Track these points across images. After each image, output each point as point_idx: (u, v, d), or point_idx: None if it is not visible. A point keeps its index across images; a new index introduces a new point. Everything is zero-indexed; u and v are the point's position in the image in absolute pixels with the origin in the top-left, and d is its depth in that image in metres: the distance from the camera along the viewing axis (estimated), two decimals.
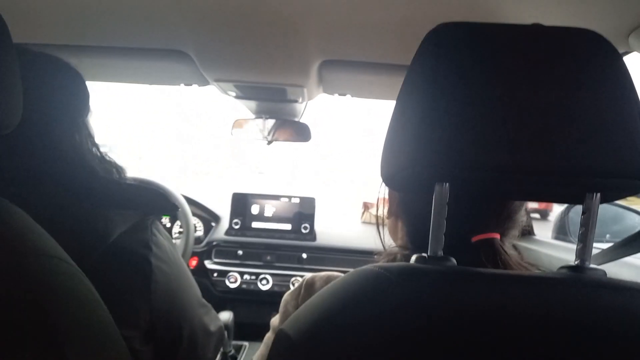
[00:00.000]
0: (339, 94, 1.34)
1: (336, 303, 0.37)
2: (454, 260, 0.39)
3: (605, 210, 1.43)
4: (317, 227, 1.84)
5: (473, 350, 0.32)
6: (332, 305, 0.37)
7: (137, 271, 0.63)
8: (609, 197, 0.43)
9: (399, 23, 0.81)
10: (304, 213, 1.83)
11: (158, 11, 0.83)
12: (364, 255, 1.74)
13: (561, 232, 1.50)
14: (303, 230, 1.81)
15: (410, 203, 0.55)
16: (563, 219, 1.51)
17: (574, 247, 1.33)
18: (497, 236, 0.51)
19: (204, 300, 0.82)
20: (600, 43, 0.39)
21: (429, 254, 0.40)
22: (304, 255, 1.76)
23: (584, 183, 0.39)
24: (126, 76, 1.31)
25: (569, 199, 0.43)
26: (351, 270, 0.41)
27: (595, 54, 0.38)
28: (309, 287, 0.63)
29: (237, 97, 1.41)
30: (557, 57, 0.38)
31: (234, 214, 1.84)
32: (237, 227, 1.82)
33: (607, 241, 1.44)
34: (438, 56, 0.38)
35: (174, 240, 1.69)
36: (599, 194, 0.41)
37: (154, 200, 0.71)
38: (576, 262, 0.42)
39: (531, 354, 0.32)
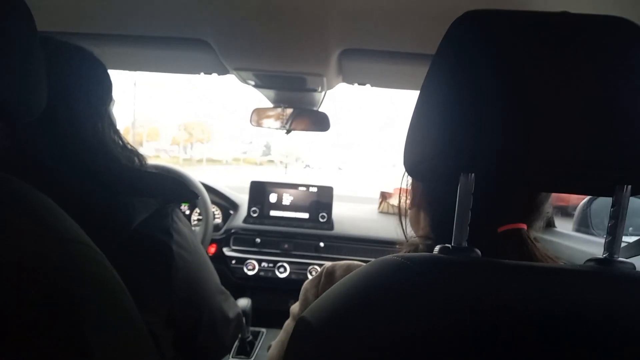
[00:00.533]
0: (359, 84, 1.33)
1: (358, 292, 0.37)
2: (478, 252, 0.39)
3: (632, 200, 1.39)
4: (335, 216, 1.85)
5: (496, 342, 0.31)
6: (354, 293, 0.37)
7: (159, 257, 0.64)
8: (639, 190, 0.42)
9: (423, 11, 0.79)
10: (321, 202, 1.83)
11: (179, 0, 0.84)
12: (381, 244, 1.74)
13: (583, 224, 1.47)
14: (320, 219, 1.81)
15: (434, 193, 0.55)
16: (585, 211, 1.48)
17: (596, 239, 1.31)
18: (524, 227, 0.50)
19: (222, 287, 0.83)
20: (632, 31, 0.37)
21: (452, 244, 0.39)
22: (322, 244, 1.77)
23: (614, 174, 0.38)
24: (147, 64, 1.33)
25: (598, 191, 0.42)
26: (369, 259, 0.41)
27: (627, 42, 0.37)
28: (329, 276, 0.64)
29: (256, 86, 1.41)
30: (588, 46, 0.36)
31: (252, 202, 1.85)
32: (255, 215, 1.83)
33: (630, 234, 1.41)
34: (464, 45, 0.38)
35: (192, 228, 1.72)
36: (629, 186, 0.39)
37: (174, 188, 0.72)
38: (605, 255, 0.41)
39: (558, 348, 0.31)
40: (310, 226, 1.81)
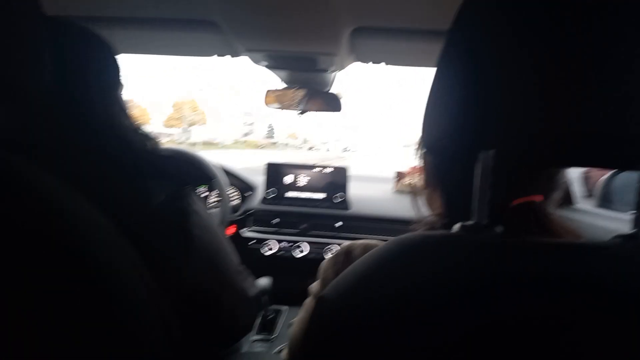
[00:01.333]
0: (373, 62, 1.31)
1: (378, 270, 0.37)
2: (499, 230, 0.38)
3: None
4: (350, 196, 1.85)
5: (521, 319, 0.31)
6: (373, 271, 0.37)
7: (176, 240, 0.64)
8: None
9: None
10: (336, 182, 1.84)
11: None
12: (397, 223, 1.74)
13: (606, 200, 1.44)
14: (336, 200, 1.82)
15: (449, 171, 0.53)
16: (607, 186, 1.44)
17: (619, 215, 1.28)
18: (540, 198, 0.49)
19: (241, 267, 0.83)
20: None
21: (472, 222, 0.38)
22: (338, 224, 1.78)
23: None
24: (158, 48, 1.33)
25: (627, 165, 0.40)
26: (387, 238, 0.41)
27: None
28: (347, 254, 0.64)
29: (269, 67, 1.40)
30: (618, 11, 0.34)
31: (268, 183, 1.87)
32: (271, 196, 1.85)
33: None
34: (481, 17, 0.36)
35: (210, 209, 1.75)
36: None
37: (190, 171, 0.72)
38: (633, 231, 0.39)
39: (583, 326, 0.31)
40: (326, 206, 1.82)
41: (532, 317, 0.31)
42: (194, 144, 48.37)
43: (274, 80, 1.59)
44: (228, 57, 1.32)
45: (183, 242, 0.65)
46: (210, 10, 0.99)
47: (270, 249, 1.77)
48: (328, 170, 1.85)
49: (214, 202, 1.89)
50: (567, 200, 1.52)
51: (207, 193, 1.91)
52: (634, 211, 0.41)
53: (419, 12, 0.90)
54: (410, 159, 0.59)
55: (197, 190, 1.86)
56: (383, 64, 1.31)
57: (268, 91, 1.67)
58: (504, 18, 0.35)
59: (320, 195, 1.84)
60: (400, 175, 2.02)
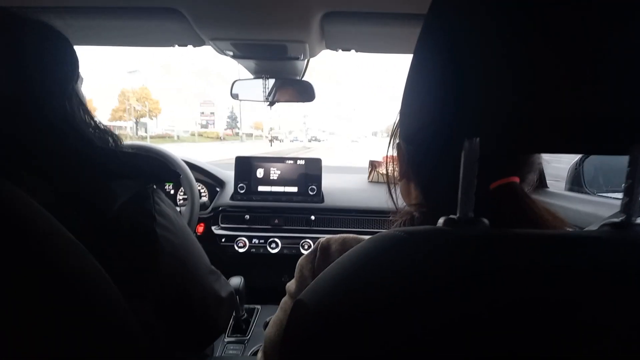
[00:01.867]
0: (343, 49, 1.27)
1: (357, 272, 0.34)
2: (486, 222, 0.36)
3: (614, 159, 1.38)
4: (325, 188, 1.82)
5: (516, 315, 0.29)
6: (353, 274, 0.34)
7: (143, 242, 0.62)
8: None
9: None
10: (310, 175, 1.80)
11: None
12: (373, 214, 1.72)
13: (575, 183, 1.47)
14: (310, 192, 1.78)
15: (427, 162, 0.52)
16: (577, 169, 1.47)
17: (590, 198, 1.31)
18: (517, 180, 0.48)
19: (213, 267, 0.81)
20: None
21: (458, 215, 0.36)
22: (312, 217, 1.74)
23: (630, 132, 0.35)
24: (115, 38, 1.25)
25: (612, 151, 0.39)
26: (362, 230, 0.38)
27: None
28: (324, 250, 0.62)
29: (235, 56, 1.34)
30: None
31: (238, 178, 1.80)
32: (242, 191, 1.79)
33: (622, 191, 1.41)
34: (459, 1, 0.34)
35: (178, 208, 1.68)
36: None
37: (154, 168, 0.69)
38: (621, 218, 0.38)
39: (577, 318, 0.30)
40: (300, 200, 1.78)
41: (531, 309, 0.30)
42: (144, 138, 44.90)
43: (239, 69, 1.52)
44: (190, 47, 1.25)
45: (150, 243, 0.62)
46: None
47: (243, 246, 1.72)
48: (301, 162, 1.80)
49: (182, 199, 1.82)
50: (540, 183, 1.54)
51: (174, 191, 1.84)
52: (615, 195, 0.40)
53: None
54: (379, 147, 0.56)
55: (164, 188, 1.80)
56: (353, 51, 1.28)
57: (235, 82, 1.61)
58: (483, 3, 0.33)
59: (294, 189, 1.79)
60: (374, 165, 2.00)
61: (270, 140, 42.99)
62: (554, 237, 0.36)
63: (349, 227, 1.72)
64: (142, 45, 1.31)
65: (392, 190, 0.60)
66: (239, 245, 1.72)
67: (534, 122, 0.34)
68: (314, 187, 1.78)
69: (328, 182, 1.86)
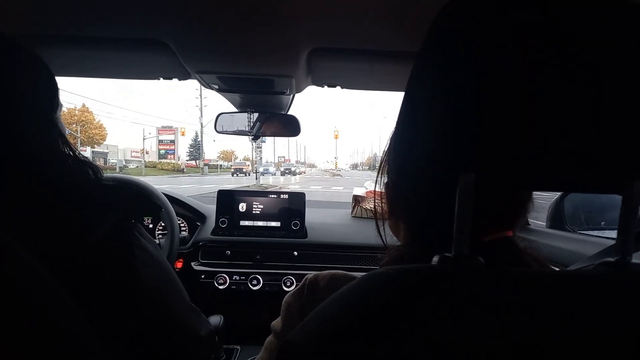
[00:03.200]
0: (328, 85, 1.28)
1: (351, 313, 0.32)
2: (481, 260, 0.35)
3: (594, 197, 1.40)
4: (308, 223, 1.79)
5: (518, 351, 0.28)
6: (346, 314, 0.32)
7: (121, 277, 0.60)
8: None
9: (400, 5, 0.75)
10: (293, 209, 1.78)
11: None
12: (357, 250, 1.70)
13: (556, 220, 1.48)
14: (293, 227, 1.75)
15: (418, 199, 0.50)
16: (558, 206, 1.49)
17: (572, 235, 1.31)
18: (510, 233, 0.47)
19: (192, 305, 0.79)
20: (635, 12, 0.34)
21: (453, 253, 0.35)
22: (295, 253, 1.71)
23: (625, 169, 0.35)
24: (97, 70, 1.23)
25: (607, 188, 0.39)
26: (346, 266, 0.37)
27: (631, 24, 0.34)
28: (312, 287, 0.60)
29: (220, 90, 1.34)
30: (592, 30, 0.33)
31: (220, 212, 1.77)
32: (224, 226, 1.75)
33: (602, 228, 1.43)
34: (454, 34, 0.34)
35: (157, 242, 1.63)
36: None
37: (135, 201, 0.68)
38: (616, 258, 0.38)
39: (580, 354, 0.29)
40: (282, 235, 1.75)
41: (536, 350, 0.29)
42: None
43: (223, 102, 1.52)
44: (175, 80, 1.25)
45: (128, 279, 0.61)
46: (158, 29, 0.92)
47: (224, 283, 1.66)
48: (284, 196, 1.79)
49: (161, 234, 1.77)
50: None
51: (153, 224, 1.79)
52: (596, 233, 0.40)
53: (380, 32, 0.88)
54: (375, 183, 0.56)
55: (143, 222, 1.75)
56: (338, 87, 1.29)
57: (219, 115, 1.61)
58: (481, 35, 0.34)
59: (276, 223, 1.77)
60: (358, 200, 1.99)
61: (233, 173, 38.62)
62: (552, 276, 0.35)
63: (333, 264, 1.69)
64: (126, 78, 1.30)
65: (381, 226, 0.58)
66: (219, 282, 1.66)
67: (529, 159, 0.34)
68: (297, 222, 1.75)
69: (311, 216, 1.84)
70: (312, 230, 1.78)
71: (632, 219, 0.37)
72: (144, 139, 42.09)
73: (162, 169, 41.62)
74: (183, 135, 48.26)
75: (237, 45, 0.97)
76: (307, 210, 1.81)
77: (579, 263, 0.50)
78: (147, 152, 52.75)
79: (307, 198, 1.81)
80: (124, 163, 45.52)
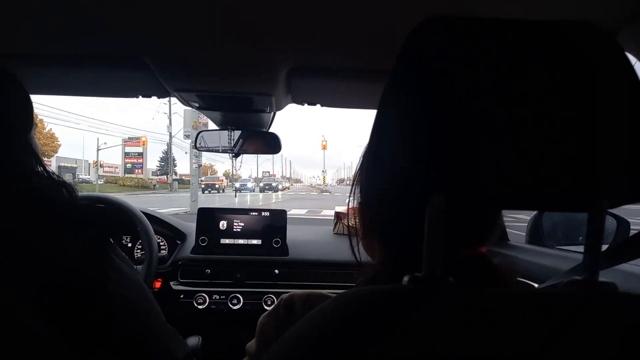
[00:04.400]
0: (309, 103, 1.29)
1: (324, 334, 0.32)
2: (452, 280, 0.35)
3: (572, 213, 1.43)
4: (289, 240, 1.78)
5: None
6: (321, 335, 0.33)
7: (95, 300, 0.58)
8: (615, 203, 0.40)
9: (375, 25, 0.76)
10: (274, 227, 1.76)
11: (111, 15, 0.76)
12: (339, 268, 1.69)
13: (535, 236, 1.50)
14: (274, 245, 1.74)
15: (392, 219, 0.50)
16: (536, 223, 1.51)
17: (549, 251, 1.33)
18: (484, 249, 0.48)
19: (169, 326, 0.77)
20: (600, 36, 0.36)
21: (423, 273, 0.35)
22: (277, 271, 1.69)
23: (591, 189, 0.36)
24: (74, 88, 1.22)
25: (575, 207, 0.40)
26: (328, 284, 0.37)
27: (593, 49, 0.35)
28: (287, 307, 0.59)
29: (200, 108, 1.34)
30: (558, 53, 0.35)
31: (200, 230, 1.74)
32: (204, 244, 1.72)
33: (580, 244, 1.46)
34: (424, 55, 0.35)
35: (136, 262, 1.60)
36: (606, 201, 0.37)
37: (111, 221, 0.67)
38: (584, 277, 0.39)
39: None
40: (263, 253, 1.73)
41: None
42: None
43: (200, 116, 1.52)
44: (154, 98, 1.24)
45: (102, 300, 0.59)
46: (138, 48, 0.92)
47: (203, 302, 1.63)
48: (265, 213, 1.78)
49: (141, 253, 1.73)
50: (501, 236, 1.57)
51: (132, 243, 1.75)
52: (573, 248, 0.40)
53: (357, 51, 0.89)
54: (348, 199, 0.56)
55: (121, 241, 1.72)
56: (318, 105, 1.30)
57: (200, 133, 1.60)
58: (451, 56, 0.34)
59: (258, 241, 1.75)
60: (339, 217, 2.00)
61: (204, 190, 33.71)
62: (521, 296, 0.35)
63: (314, 282, 1.68)
64: (103, 96, 1.29)
65: (355, 244, 0.58)
66: (199, 301, 1.63)
67: (498, 179, 0.34)
68: (278, 239, 1.74)
69: (293, 234, 1.83)
70: (294, 247, 1.77)
71: (598, 237, 0.38)
72: (97, 150, 36.75)
73: (123, 185, 36.03)
74: (144, 145, 41.33)
75: (216, 63, 0.98)
76: (289, 227, 1.79)
77: (550, 280, 0.51)
78: (115, 168, 49.17)
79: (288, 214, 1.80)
80: (81, 177, 39.86)
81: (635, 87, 0.35)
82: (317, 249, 1.79)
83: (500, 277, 0.46)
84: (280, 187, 43.50)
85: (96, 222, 0.64)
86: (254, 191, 36.09)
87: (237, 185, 36.24)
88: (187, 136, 13.02)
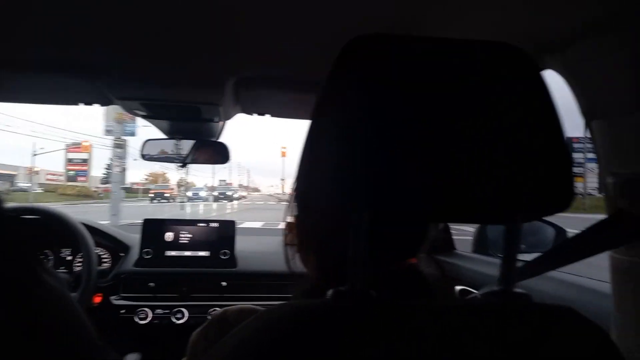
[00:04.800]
0: (258, 114, 1.29)
1: (245, 352, 0.33)
2: (374, 293, 0.36)
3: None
4: (239, 252, 1.75)
5: None
6: (241, 354, 0.33)
7: (19, 316, 0.54)
8: (530, 217, 0.42)
9: (320, 38, 0.78)
10: (223, 238, 1.73)
11: (51, 19, 0.73)
12: (288, 279, 1.67)
13: (480, 245, 1.56)
14: (222, 257, 1.70)
15: (323, 233, 0.51)
16: (481, 232, 1.58)
17: (491, 260, 1.39)
18: (415, 260, 0.49)
19: (99, 343, 0.73)
20: (518, 58, 0.38)
21: (347, 287, 0.36)
22: (224, 284, 1.65)
23: (507, 203, 0.38)
24: (12, 94, 1.16)
25: (494, 220, 0.42)
26: (276, 296, 0.37)
27: (514, 70, 0.37)
28: (220, 323, 0.58)
29: (146, 116, 1.30)
30: (477, 73, 0.36)
31: (145, 242, 1.68)
32: (148, 256, 1.66)
33: (523, 251, 1.53)
34: (354, 71, 0.36)
35: (74, 275, 1.51)
36: (520, 215, 0.39)
37: (42, 232, 0.63)
38: (500, 288, 0.40)
39: None
40: (211, 265, 1.69)
41: None
42: None
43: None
44: (96, 106, 1.20)
45: (26, 319, 0.55)
46: (80, 53, 0.88)
47: (145, 317, 1.56)
48: (214, 224, 1.74)
49: (80, 266, 1.65)
50: (448, 246, 1.63)
51: (72, 256, 1.66)
52: (522, 261, 0.42)
53: (304, 63, 0.90)
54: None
55: (59, 254, 1.63)
56: (268, 115, 1.30)
57: (146, 142, 1.56)
58: (378, 71, 0.35)
59: (205, 253, 1.71)
60: (290, 227, 1.99)
61: (153, 199, 31.67)
62: (437, 309, 0.36)
63: (264, 293, 1.66)
64: (42, 103, 1.23)
65: (290, 255, 0.58)
66: (141, 316, 1.56)
67: (420, 195, 0.35)
68: (226, 250, 1.71)
69: (244, 245, 1.80)
70: (243, 259, 1.74)
71: (514, 249, 0.40)
72: (33, 155, 32.99)
73: (63, 194, 32.83)
74: (87, 151, 38.92)
75: (161, 72, 0.96)
76: (240, 238, 1.77)
77: (482, 289, 0.53)
78: (60, 175, 45.01)
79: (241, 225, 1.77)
80: (20, 186, 36.05)
81: (547, 108, 0.37)
82: (267, 259, 1.77)
83: (429, 287, 0.47)
84: (236, 195, 41.41)
85: (25, 233, 0.60)
86: (207, 200, 33.92)
87: (190, 194, 33.12)
88: (108, 132, 11.23)
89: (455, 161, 0.35)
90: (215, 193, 38.82)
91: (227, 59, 0.89)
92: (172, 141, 1.52)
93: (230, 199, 36.55)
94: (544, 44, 0.71)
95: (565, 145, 0.38)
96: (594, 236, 0.68)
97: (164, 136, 1.55)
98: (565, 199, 0.38)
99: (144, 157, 1.60)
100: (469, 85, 0.36)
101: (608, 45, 0.62)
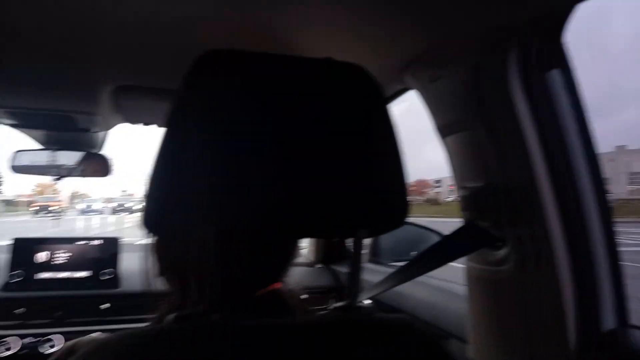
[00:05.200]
0: (144, 124, 1.24)
1: None
2: (217, 316, 0.36)
3: (411, 230, 1.56)
4: (124, 271, 1.63)
5: None
6: None
7: None
8: (374, 232, 0.45)
9: (193, 48, 0.77)
10: (105, 257, 1.60)
11: None
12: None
13: (374, 254, 1.62)
14: (104, 277, 1.58)
15: (171, 253, 0.50)
16: (375, 241, 1.64)
17: (382, 268, 1.46)
18: (279, 285, 0.49)
19: None
20: (364, 78, 0.39)
21: (188, 311, 0.36)
22: (105, 306, 1.53)
23: (355, 218, 0.39)
24: None
25: (343, 234, 0.44)
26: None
27: (358, 89, 0.39)
28: (68, 356, 0.56)
29: (15, 126, 1.19)
30: (325, 90, 0.38)
31: (14, 264, 1.50)
32: (18, 280, 1.48)
33: (411, 258, 1.62)
34: (201, 84, 0.36)
35: None
36: (364, 230, 0.41)
37: None
38: (345, 302, 0.42)
39: None
40: (91, 286, 1.55)
41: None
42: None
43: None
44: None
45: None
46: None
47: (9, 349, 1.39)
48: (95, 242, 1.61)
49: None
50: (342, 256, 1.68)
51: None
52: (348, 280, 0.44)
53: (177, 73, 0.89)
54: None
55: None
56: (155, 126, 1.26)
57: (16, 153, 1.41)
58: (224, 86, 0.36)
59: (85, 274, 1.57)
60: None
61: (37, 212, 27.34)
62: (278, 328, 0.37)
63: (149, 314, 1.56)
64: None
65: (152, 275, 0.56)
66: (4, 348, 1.38)
67: (266, 211, 0.36)
68: (109, 270, 1.58)
69: (133, 263, 1.68)
70: (128, 278, 1.62)
71: (358, 263, 0.42)
72: None
73: None
74: None
75: (28, 78, 0.89)
76: (131, 255, 1.66)
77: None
78: None
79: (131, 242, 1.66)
80: None
81: (385, 129, 0.39)
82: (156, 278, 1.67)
83: (291, 308, 0.47)
84: (137, 207, 35.95)
85: None
86: (102, 213, 29.10)
87: (82, 206, 29.12)
88: None
89: (298, 179, 0.36)
90: (114, 205, 34.22)
91: (103, 67, 0.85)
92: (48, 152, 1.40)
93: (130, 211, 31.93)
94: (399, 63, 0.76)
95: (400, 167, 0.40)
96: (449, 245, 0.76)
97: (39, 146, 1.43)
98: (399, 216, 0.41)
99: (14, 169, 1.45)
100: (311, 104, 0.37)
101: (453, 66, 0.68)
